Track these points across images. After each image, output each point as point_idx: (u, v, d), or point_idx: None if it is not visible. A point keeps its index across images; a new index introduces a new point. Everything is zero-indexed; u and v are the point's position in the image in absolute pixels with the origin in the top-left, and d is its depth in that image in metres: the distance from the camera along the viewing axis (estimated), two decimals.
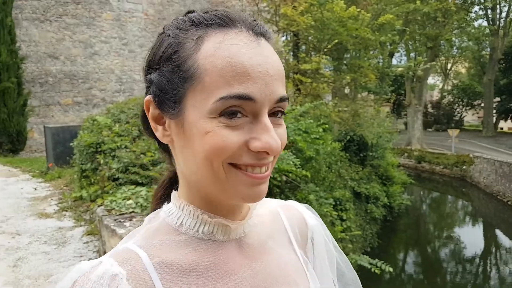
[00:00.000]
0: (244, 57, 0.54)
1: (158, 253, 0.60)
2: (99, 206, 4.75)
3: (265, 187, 0.59)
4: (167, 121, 0.61)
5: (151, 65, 0.63)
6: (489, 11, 30.16)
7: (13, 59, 11.70)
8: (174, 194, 0.66)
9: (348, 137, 11.59)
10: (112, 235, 3.81)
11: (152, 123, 0.63)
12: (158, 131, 0.63)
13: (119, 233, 3.68)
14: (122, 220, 4.07)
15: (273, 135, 0.55)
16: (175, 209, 0.64)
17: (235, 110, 0.54)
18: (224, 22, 0.57)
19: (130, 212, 4.21)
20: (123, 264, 0.57)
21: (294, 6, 11.65)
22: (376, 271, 5.48)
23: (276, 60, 0.58)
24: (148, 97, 0.63)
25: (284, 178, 6.14)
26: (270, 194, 4.85)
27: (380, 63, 17.94)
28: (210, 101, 0.54)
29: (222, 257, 0.62)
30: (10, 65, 11.58)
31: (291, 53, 13.58)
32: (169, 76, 0.58)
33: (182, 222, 0.63)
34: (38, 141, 13.40)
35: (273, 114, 0.58)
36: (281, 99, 0.57)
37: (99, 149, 5.70)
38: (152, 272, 0.58)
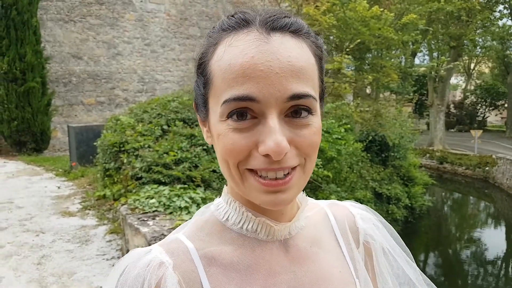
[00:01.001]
0: (245, 57, 0.53)
1: (205, 246, 0.61)
2: (122, 204, 4.78)
3: (284, 196, 0.55)
4: (207, 124, 0.62)
5: (196, 71, 0.65)
6: None
7: (38, 59, 11.90)
8: (225, 188, 0.67)
9: (370, 137, 11.55)
10: (136, 234, 3.83)
11: (200, 126, 0.65)
12: (204, 133, 0.65)
13: (143, 232, 3.70)
14: (145, 219, 4.08)
15: (276, 137, 0.51)
16: (223, 203, 0.65)
17: (241, 112, 0.53)
18: (238, 24, 0.57)
19: (153, 211, 4.23)
20: (171, 253, 0.59)
21: (316, 6, 11.63)
22: None
23: (292, 54, 0.54)
24: (194, 102, 0.66)
25: None
26: None
27: (403, 63, 17.77)
28: (219, 105, 0.54)
29: (265, 257, 0.62)
30: (35, 65, 11.79)
31: None
32: (198, 82, 0.61)
33: (228, 217, 0.64)
34: (61, 140, 13.65)
35: (294, 113, 0.55)
36: (295, 97, 0.53)
37: (123, 149, 5.74)
38: (198, 264, 0.59)
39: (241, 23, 0.56)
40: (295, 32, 0.56)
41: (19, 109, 11.81)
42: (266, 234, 0.63)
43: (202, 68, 0.60)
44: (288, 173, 0.54)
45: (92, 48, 13.99)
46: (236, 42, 0.54)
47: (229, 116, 0.54)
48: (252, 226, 0.62)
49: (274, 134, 0.51)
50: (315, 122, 0.56)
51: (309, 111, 0.55)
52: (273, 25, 0.55)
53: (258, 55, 0.52)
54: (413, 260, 0.80)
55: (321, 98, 0.61)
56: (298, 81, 0.53)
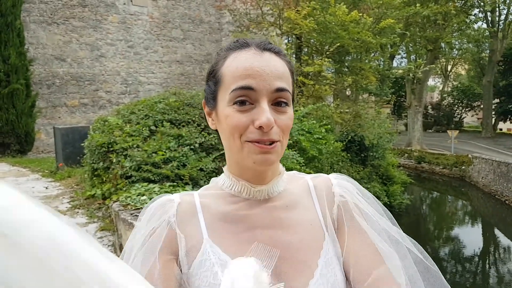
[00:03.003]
0: (247, 63, 0.78)
1: (206, 198, 0.90)
2: (114, 202, 4.90)
3: (271, 157, 0.79)
4: (213, 113, 0.89)
5: (207, 78, 0.92)
6: (488, 13, 30.24)
7: (22, 61, 11.84)
8: (224, 167, 0.94)
9: (349, 137, 11.74)
10: (129, 228, 3.97)
11: (206, 117, 0.93)
12: (209, 122, 0.92)
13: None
14: (138, 214, 4.18)
15: (266, 115, 0.75)
16: (223, 175, 0.93)
17: (243, 99, 0.77)
18: (241, 45, 0.82)
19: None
20: (182, 197, 0.90)
21: (297, 10, 11.84)
22: None
23: (276, 64, 0.80)
24: (203, 100, 0.93)
25: None
26: None
27: (381, 66, 18.13)
28: (227, 94, 0.79)
29: (248, 212, 0.87)
30: (19, 67, 11.74)
31: (294, 56, 13.78)
32: (211, 84, 0.87)
33: (224, 183, 0.90)
34: (45, 142, 13.59)
35: (277, 104, 0.79)
36: (279, 90, 0.78)
37: (111, 149, 5.80)
38: (198, 207, 0.88)
39: (243, 45, 0.83)
40: (277, 53, 0.83)
41: (3, 111, 11.72)
42: (247, 194, 0.87)
43: (214, 73, 0.85)
44: (273, 143, 0.80)
45: (75, 50, 13.98)
46: (240, 55, 0.81)
47: (235, 102, 0.78)
48: (237, 188, 0.87)
49: (266, 113, 0.76)
50: (289, 111, 0.82)
51: (286, 103, 0.81)
52: (264, 47, 0.82)
53: (256, 62, 0.78)
54: (391, 218, 0.94)
55: (292, 100, 0.87)
56: (281, 81, 0.79)
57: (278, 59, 0.82)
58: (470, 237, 14.52)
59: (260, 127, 0.76)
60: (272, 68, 0.79)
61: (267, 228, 0.85)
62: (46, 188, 7.96)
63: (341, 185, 0.93)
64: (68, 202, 6.87)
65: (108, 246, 4.97)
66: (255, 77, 0.77)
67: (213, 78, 0.86)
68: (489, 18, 30.70)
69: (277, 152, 0.81)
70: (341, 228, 0.88)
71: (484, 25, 32.08)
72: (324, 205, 0.91)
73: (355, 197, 0.91)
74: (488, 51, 34.32)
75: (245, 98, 0.78)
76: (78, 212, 6.32)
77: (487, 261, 12.47)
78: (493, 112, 36.03)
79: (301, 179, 0.97)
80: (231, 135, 0.80)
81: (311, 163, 7.27)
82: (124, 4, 15.00)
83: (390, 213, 0.95)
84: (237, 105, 0.78)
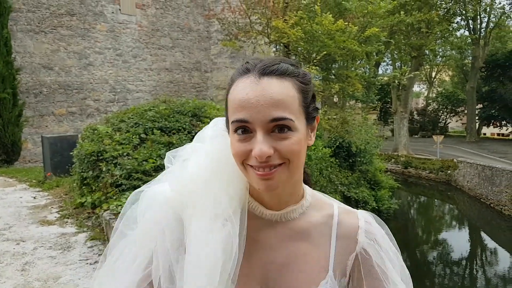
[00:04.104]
0: (243, 93, 0.78)
1: None
2: (105, 210, 4.91)
3: (272, 183, 0.80)
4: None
5: None
6: (470, 21, 30.92)
7: (8, 70, 11.75)
8: None
9: (338, 143, 11.88)
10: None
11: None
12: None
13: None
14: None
15: (260, 146, 0.76)
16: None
17: (242, 129, 0.79)
18: (243, 72, 0.83)
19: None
20: None
21: (284, 20, 12.00)
22: None
23: (274, 91, 0.78)
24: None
25: None
26: None
27: (367, 73, 18.36)
28: (230, 123, 0.82)
29: (257, 228, 0.91)
30: (6, 76, 11.65)
31: None
32: (226, 109, 0.87)
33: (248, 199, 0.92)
34: (32, 152, 13.47)
35: (280, 129, 0.78)
36: (275, 119, 0.77)
37: (101, 157, 5.80)
38: None
39: (245, 70, 0.83)
40: (280, 74, 0.81)
41: None
42: (261, 214, 0.89)
43: (226, 100, 0.86)
44: (273, 168, 0.79)
45: (63, 58, 13.93)
46: (240, 83, 0.81)
47: (235, 131, 0.80)
48: (252, 205, 0.90)
49: (260, 144, 0.76)
50: (294, 136, 0.80)
51: (289, 128, 0.79)
52: (264, 71, 0.80)
53: (251, 93, 0.78)
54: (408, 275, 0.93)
55: (308, 117, 0.85)
56: (277, 109, 0.77)
57: (278, 84, 0.80)
58: (457, 240, 14.71)
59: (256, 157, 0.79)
60: (267, 97, 0.78)
61: (270, 251, 0.89)
62: (34, 198, 7.86)
63: (369, 232, 0.91)
64: (57, 211, 6.79)
65: (99, 255, 4.93)
66: (249, 109, 0.77)
67: (225, 104, 0.88)
68: (471, 26, 31.39)
69: (280, 176, 0.80)
70: (357, 277, 0.88)
71: (466, 33, 32.74)
72: (342, 248, 0.90)
73: (380, 252, 0.90)
74: (470, 57, 35.06)
75: (243, 128, 0.80)
76: (67, 222, 6.25)
77: (474, 264, 12.61)
78: (477, 117, 36.63)
79: (328, 208, 0.95)
80: (235, 160, 0.84)
81: None
82: (113, 13, 15.03)
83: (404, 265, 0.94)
84: (238, 134, 0.80)
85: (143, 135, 6.01)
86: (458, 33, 31.99)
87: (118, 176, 5.31)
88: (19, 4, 13.08)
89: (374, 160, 14.60)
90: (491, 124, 39.08)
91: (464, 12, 28.27)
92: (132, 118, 6.55)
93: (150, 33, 16.15)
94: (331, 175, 10.81)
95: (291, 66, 0.84)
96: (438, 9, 24.74)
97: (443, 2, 25.45)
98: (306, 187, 0.95)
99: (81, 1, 14.32)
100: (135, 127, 6.26)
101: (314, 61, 12.27)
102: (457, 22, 30.21)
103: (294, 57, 14.19)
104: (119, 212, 3.37)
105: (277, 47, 16.60)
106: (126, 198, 3.58)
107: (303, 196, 0.92)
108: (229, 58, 17.68)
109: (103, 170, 5.67)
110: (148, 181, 3.65)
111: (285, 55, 13.62)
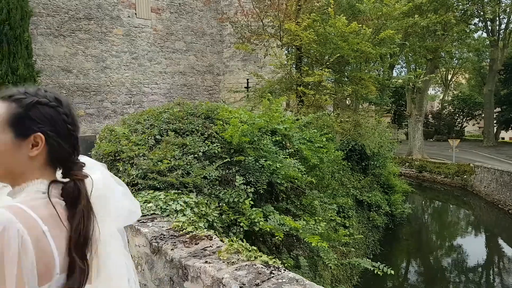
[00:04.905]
0: None
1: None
2: None
3: None
4: None
5: None
6: (488, 23, 30.43)
7: (29, 73, 12.02)
8: None
9: (350, 146, 11.84)
10: (136, 234, 4.08)
11: None
12: None
13: (143, 232, 3.93)
14: (144, 221, 4.30)
15: None
16: None
17: None
18: None
19: (151, 214, 4.43)
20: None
21: (297, 22, 12.06)
22: (379, 272, 5.76)
23: None
24: None
25: (290, 184, 6.42)
26: (276, 200, 5.16)
27: (381, 75, 18.29)
28: None
29: None
30: (27, 78, 11.90)
31: (294, 66, 13.97)
32: None
33: None
34: None
35: None
36: None
37: (118, 157, 5.91)
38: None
39: None
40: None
41: None
42: None
43: None
44: None
45: (81, 61, 14.26)
46: None
47: None
48: None
49: None
50: None
51: None
52: None
53: None
54: None
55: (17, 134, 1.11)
56: None
57: None
58: (473, 246, 14.47)
59: None
60: None
61: None
62: None
63: None
64: None
65: None
66: None
67: None
68: (489, 28, 30.88)
69: None
70: None
71: (484, 34, 32.28)
72: None
73: None
74: (488, 60, 34.47)
75: None
76: None
77: (491, 271, 12.40)
78: (495, 121, 35.97)
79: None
80: None
81: (312, 171, 7.40)
82: (129, 17, 15.33)
83: None
84: None
85: (158, 136, 6.10)
86: (475, 35, 31.60)
87: (134, 175, 5.40)
88: (39, 8, 13.43)
89: (388, 164, 14.50)
90: (510, 128, 38.27)
91: (482, 13, 27.84)
92: (148, 120, 6.66)
93: (165, 37, 16.41)
94: (343, 178, 10.79)
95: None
96: (455, 10, 24.40)
97: (460, 4, 25.07)
98: (33, 184, 1.14)
99: (98, 5, 14.63)
100: (151, 129, 6.36)
101: (327, 63, 12.28)
102: (475, 23, 29.81)
103: (306, 60, 14.24)
104: None
105: (289, 49, 16.67)
106: (142, 197, 3.70)
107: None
108: (241, 61, 17.81)
109: (120, 169, 5.76)
110: (162, 181, 3.76)
111: (298, 57, 13.68)
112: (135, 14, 15.56)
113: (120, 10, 15.19)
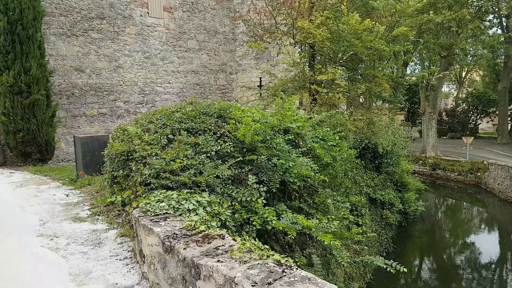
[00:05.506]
0: None
1: None
2: (134, 208, 5.01)
3: None
4: None
5: None
6: (503, 19, 30.05)
7: (42, 73, 12.18)
8: None
9: (363, 144, 11.78)
10: (149, 234, 4.08)
11: None
12: None
13: (156, 231, 3.93)
14: (157, 220, 4.30)
15: None
16: None
17: None
18: None
19: (164, 213, 4.43)
20: None
21: (310, 20, 11.98)
22: (392, 270, 5.73)
23: None
24: None
25: (303, 183, 6.39)
26: (289, 199, 5.14)
27: (394, 73, 18.12)
28: None
29: None
30: (39, 78, 12.08)
31: (307, 64, 13.91)
32: None
33: None
34: (64, 151, 13.95)
35: None
36: None
37: (131, 157, 5.91)
38: None
39: None
40: None
41: (25, 121, 12.05)
42: None
43: None
44: None
45: (94, 61, 14.39)
46: None
47: None
48: None
49: None
50: None
51: None
52: None
53: None
54: None
55: None
56: None
57: None
58: (487, 244, 14.41)
59: None
60: None
61: None
62: (67, 195, 8.12)
63: None
64: (88, 209, 7.01)
65: (128, 251, 5.07)
66: None
67: None
68: (504, 24, 30.47)
69: None
70: None
71: (499, 31, 31.80)
72: None
73: None
74: (503, 57, 33.99)
75: None
76: (98, 219, 6.43)
77: (504, 269, 12.34)
78: (509, 119, 35.53)
79: None
80: None
81: (326, 170, 7.36)
82: (141, 16, 15.41)
83: None
84: None
85: (170, 136, 6.10)
86: (490, 32, 31.13)
87: (147, 175, 5.41)
88: (51, 8, 13.57)
89: (401, 162, 14.42)
90: None
91: (497, 9, 27.42)
92: (160, 119, 6.66)
93: (177, 36, 16.47)
94: (356, 177, 10.73)
95: None
96: (470, 7, 24.08)
97: (475, 0, 24.74)
98: None
99: (110, 5, 14.73)
100: (163, 128, 6.36)
101: (340, 61, 12.21)
102: (490, 20, 29.36)
103: (319, 58, 14.16)
104: (148, 210, 3.52)
105: (302, 47, 16.59)
106: (155, 197, 3.72)
107: None
108: (254, 59, 17.81)
109: (133, 169, 5.78)
110: (175, 181, 3.76)
111: (311, 55, 13.61)
112: (148, 13, 15.63)
113: (133, 9, 15.27)
